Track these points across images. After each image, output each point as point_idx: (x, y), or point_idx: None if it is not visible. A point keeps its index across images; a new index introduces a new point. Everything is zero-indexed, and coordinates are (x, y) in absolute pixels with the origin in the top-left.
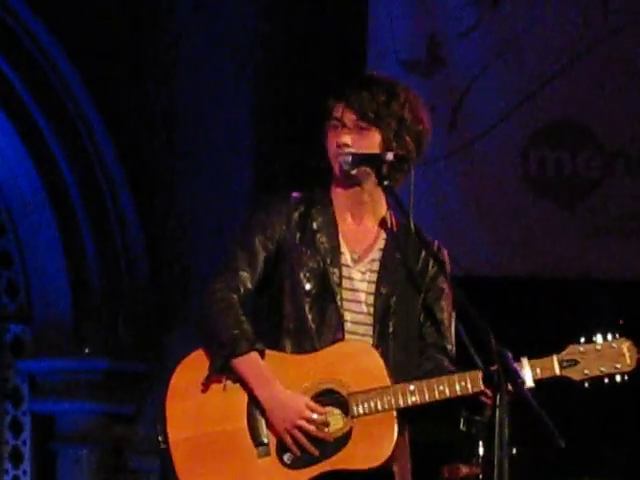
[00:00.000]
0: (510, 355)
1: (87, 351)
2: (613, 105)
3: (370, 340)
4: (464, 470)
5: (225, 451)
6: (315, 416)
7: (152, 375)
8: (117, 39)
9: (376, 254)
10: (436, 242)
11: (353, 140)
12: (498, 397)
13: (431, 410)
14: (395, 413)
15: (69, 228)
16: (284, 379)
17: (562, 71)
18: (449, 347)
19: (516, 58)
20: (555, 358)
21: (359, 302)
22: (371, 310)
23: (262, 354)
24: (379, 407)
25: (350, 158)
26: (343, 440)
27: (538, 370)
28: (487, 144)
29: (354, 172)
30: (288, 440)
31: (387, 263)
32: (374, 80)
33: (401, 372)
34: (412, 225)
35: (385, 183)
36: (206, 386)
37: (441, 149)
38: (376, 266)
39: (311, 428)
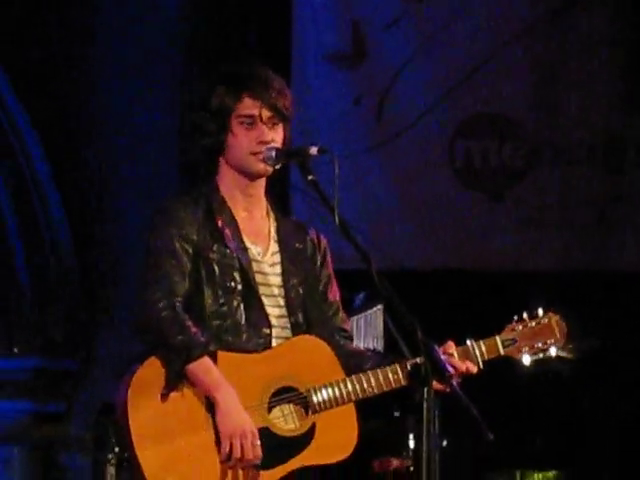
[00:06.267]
0: (437, 348)
1: (16, 350)
2: (538, 95)
3: (289, 332)
4: (395, 463)
5: (196, 460)
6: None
7: (82, 372)
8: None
9: (274, 246)
10: (313, 229)
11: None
12: (425, 390)
13: (364, 401)
14: (353, 405)
15: None
16: (241, 379)
17: (486, 63)
18: (348, 328)
19: (441, 50)
20: (498, 338)
21: (275, 296)
22: (284, 302)
23: (215, 356)
24: (339, 400)
25: (274, 153)
26: (308, 436)
27: (484, 351)
28: (413, 136)
29: (276, 167)
30: (227, 444)
31: (288, 254)
32: (271, 74)
33: None
34: (337, 219)
35: (310, 177)
36: (164, 396)
37: (367, 141)
38: (278, 258)
39: (254, 442)
